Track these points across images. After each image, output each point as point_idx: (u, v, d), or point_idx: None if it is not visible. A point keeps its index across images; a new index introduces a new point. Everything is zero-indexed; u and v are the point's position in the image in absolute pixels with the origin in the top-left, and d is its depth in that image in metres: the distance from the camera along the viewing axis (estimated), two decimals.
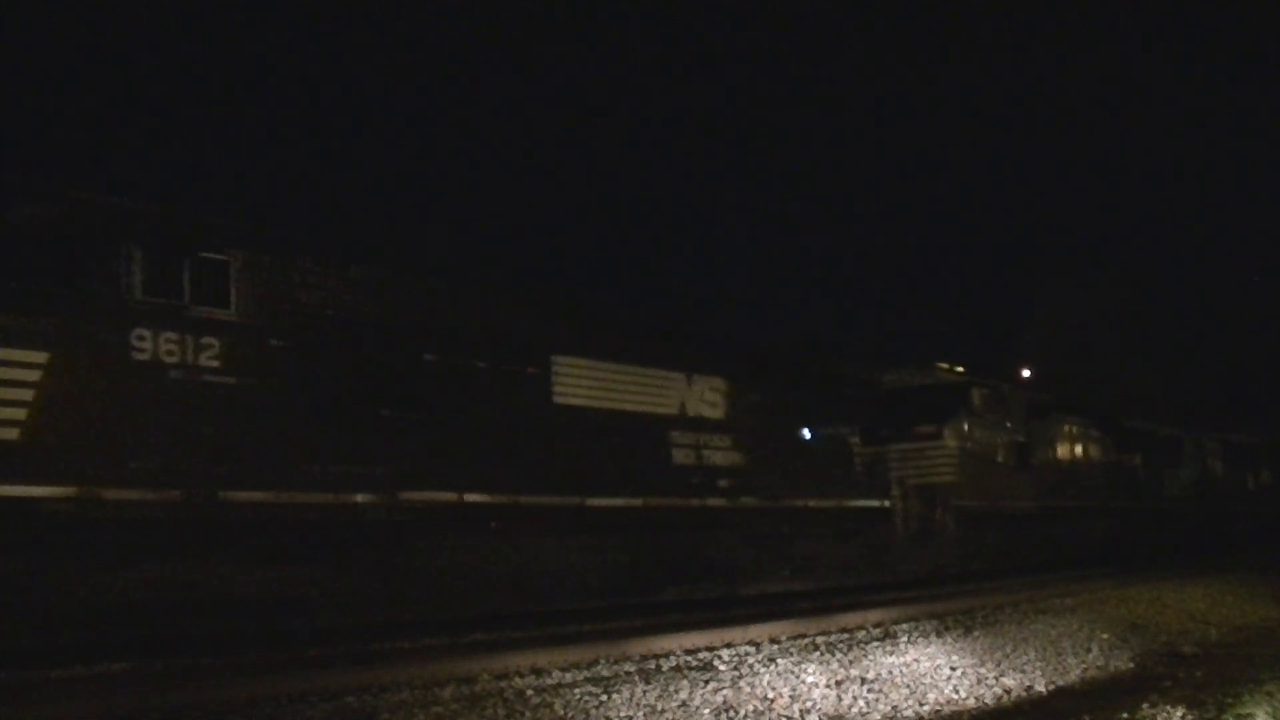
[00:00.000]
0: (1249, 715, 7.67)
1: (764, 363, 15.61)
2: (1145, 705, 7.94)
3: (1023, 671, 9.40)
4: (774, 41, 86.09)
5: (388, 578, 9.92)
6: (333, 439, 9.69)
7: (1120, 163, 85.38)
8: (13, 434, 7.94)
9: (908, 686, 8.43)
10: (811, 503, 15.07)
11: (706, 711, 7.19)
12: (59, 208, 8.54)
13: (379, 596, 9.82)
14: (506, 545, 11.04)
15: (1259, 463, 33.72)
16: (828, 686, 8.09)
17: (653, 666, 8.18)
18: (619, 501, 12.22)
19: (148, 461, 8.53)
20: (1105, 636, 11.36)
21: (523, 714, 6.67)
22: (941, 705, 8.14)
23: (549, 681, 7.44)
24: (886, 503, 16.61)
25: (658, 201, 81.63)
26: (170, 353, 8.81)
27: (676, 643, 9.11)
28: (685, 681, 7.73)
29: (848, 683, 8.26)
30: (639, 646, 8.83)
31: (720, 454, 13.77)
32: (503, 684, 7.25)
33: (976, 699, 8.41)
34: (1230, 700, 8.09)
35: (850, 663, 8.88)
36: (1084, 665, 10.01)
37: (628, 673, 7.88)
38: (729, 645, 9.30)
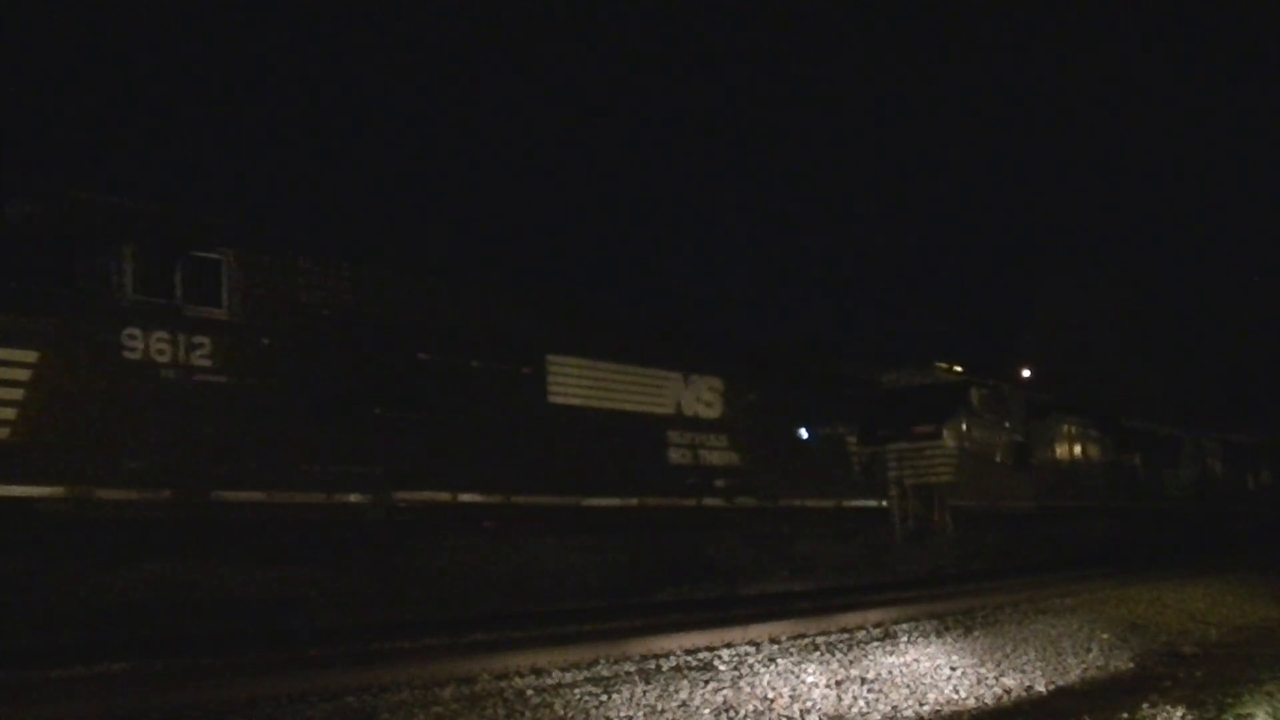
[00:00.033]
0: (1249, 715, 7.67)
1: (761, 362, 15.58)
2: (1145, 705, 7.93)
3: (1023, 671, 9.40)
4: (774, 41, 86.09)
5: (382, 578, 9.92)
6: (326, 438, 9.66)
7: (1120, 163, 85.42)
8: (3, 433, 7.92)
9: (908, 686, 8.43)
10: (809, 503, 15.05)
11: (706, 711, 7.19)
12: (50, 206, 8.52)
13: (374, 596, 9.81)
14: (502, 545, 11.03)
15: (1259, 463, 33.72)
16: (828, 686, 8.09)
17: (653, 666, 8.18)
18: (615, 502, 12.20)
19: (139, 461, 8.50)
20: (1105, 636, 11.35)
21: (523, 714, 6.67)
22: (941, 705, 8.14)
23: (549, 681, 7.44)
24: (884, 503, 16.60)
25: (658, 201, 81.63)
26: (162, 352, 8.78)
27: (676, 643, 9.10)
28: (685, 681, 7.73)
29: (848, 683, 8.26)
30: (639, 646, 8.83)
31: (717, 454, 13.75)
32: (503, 684, 7.24)
33: (976, 699, 8.41)
34: (1230, 700, 8.08)
35: (850, 663, 8.88)
36: (1084, 665, 10.00)
37: (628, 673, 7.87)
38: (729, 645, 9.29)
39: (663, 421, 13.14)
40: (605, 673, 7.84)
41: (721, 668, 8.29)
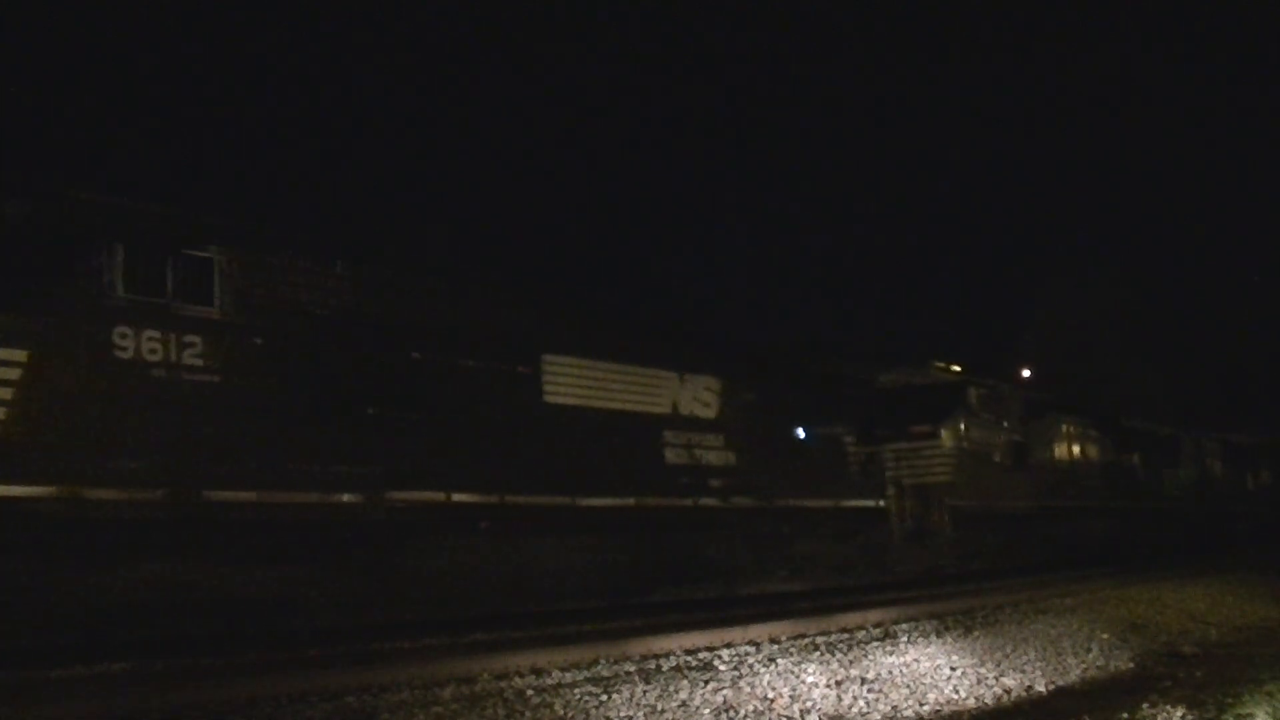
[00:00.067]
0: (1249, 715, 7.67)
1: (758, 362, 15.55)
2: (1145, 705, 7.94)
3: (1023, 671, 9.40)
4: (774, 41, 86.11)
5: (381, 578, 9.88)
6: (319, 438, 9.60)
7: (1120, 163, 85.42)
8: None
9: (908, 686, 8.43)
10: (806, 503, 15.01)
11: (706, 711, 7.19)
12: (40, 205, 8.47)
13: (372, 597, 9.78)
14: (502, 546, 10.99)
15: (1259, 463, 33.73)
16: (828, 686, 8.09)
17: (653, 666, 8.17)
18: (610, 502, 12.16)
19: (130, 461, 8.44)
20: (1105, 636, 11.36)
21: (523, 714, 6.66)
22: (941, 705, 8.14)
23: (549, 681, 7.43)
24: (882, 503, 16.57)
25: (658, 201, 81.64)
26: (153, 351, 8.72)
27: (676, 643, 9.10)
28: (685, 681, 7.73)
29: (848, 683, 8.26)
30: (639, 646, 8.83)
31: (713, 454, 13.72)
32: (503, 684, 7.24)
33: (976, 699, 8.41)
34: (1230, 700, 8.09)
35: (850, 663, 8.88)
36: (1084, 665, 10.01)
37: (628, 673, 7.87)
38: (729, 645, 9.29)
39: (659, 421, 13.11)
40: (605, 673, 7.84)
41: (721, 668, 8.28)
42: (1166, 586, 15.63)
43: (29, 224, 8.36)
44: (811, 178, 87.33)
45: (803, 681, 8.12)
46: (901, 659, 9.24)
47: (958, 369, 20.11)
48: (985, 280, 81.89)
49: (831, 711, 7.58)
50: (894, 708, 7.87)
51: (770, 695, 7.68)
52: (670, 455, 13.16)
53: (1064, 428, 22.76)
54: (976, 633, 10.82)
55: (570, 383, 12.13)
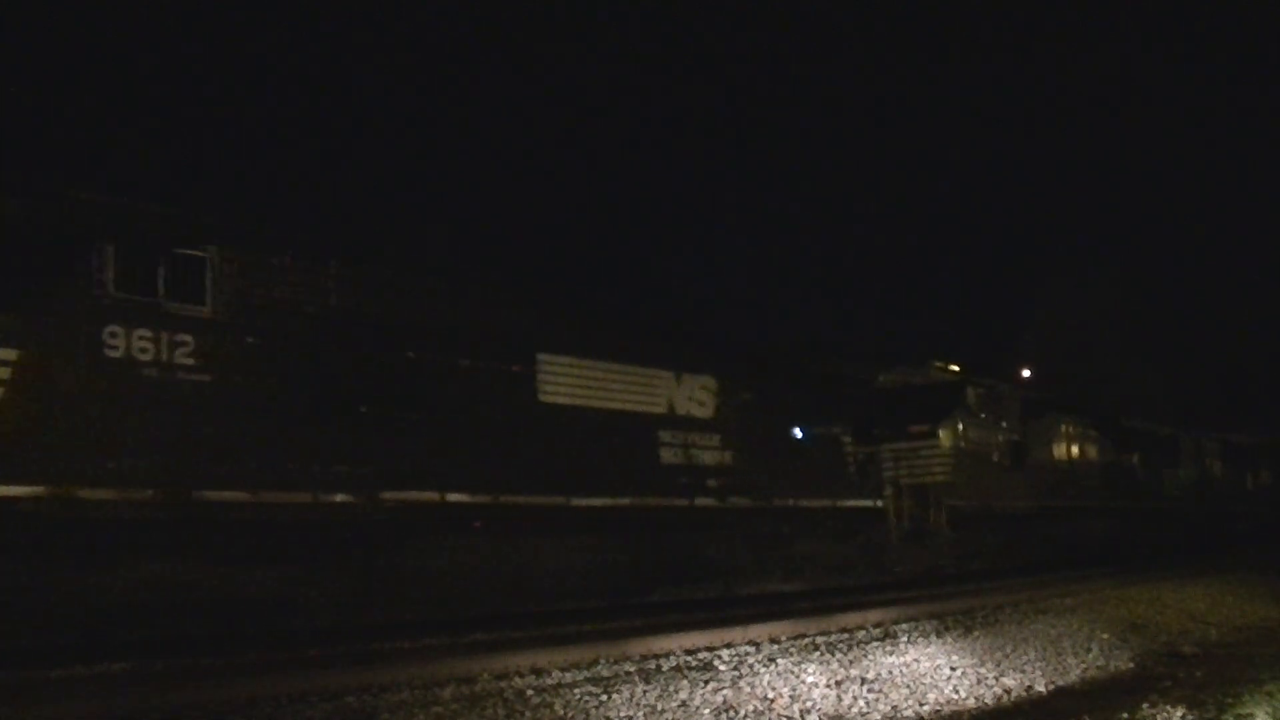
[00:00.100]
0: (1249, 715, 7.67)
1: (755, 361, 15.51)
2: (1145, 705, 7.94)
3: (1023, 671, 9.40)
4: (774, 41, 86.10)
5: (372, 579, 9.86)
6: (312, 438, 9.57)
7: (1120, 163, 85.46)
8: None
9: (908, 686, 8.43)
10: (803, 503, 14.99)
11: (706, 711, 7.19)
12: (31, 203, 8.45)
13: (368, 598, 9.76)
14: (494, 546, 10.95)
15: (1258, 463, 33.74)
16: (828, 686, 8.08)
17: (653, 666, 8.17)
18: (606, 502, 12.14)
19: (121, 460, 8.42)
20: (1105, 636, 11.36)
21: (523, 714, 6.66)
22: (941, 705, 8.14)
23: (549, 681, 7.43)
24: (880, 503, 16.55)
25: (657, 201, 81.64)
26: (144, 350, 8.69)
27: (676, 643, 9.10)
28: (685, 681, 7.73)
29: (848, 683, 8.26)
30: (639, 646, 8.82)
31: (709, 453, 13.69)
32: (503, 684, 7.24)
33: (976, 699, 8.41)
34: (1230, 700, 8.09)
35: (850, 663, 8.88)
36: (1084, 665, 10.01)
37: (628, 673, 7.87)
38: (729, 645, 9.28)
39: (655, 421, 13.08)
40: (605, 673, 7.84)
41: (721, 668, 8.28)
42: (1166, 586, 15.62)
43: (20, 222, 8.33)
44: (811, 178, 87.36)
45: (803, 681, 8.12)
46: (901, 659, 9.23)
47: (956, 369, 20.10)
48: (985, 280, 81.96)
49: (831, 711, 7.58)
50: (894, 708, 7.87)
51: (770, 695, 7.68)
52: (666, 455, 13.13)
53: (1063, 428, 22.77)
54: (976, 633, 10.82)
55: (566, 382, 12.10)
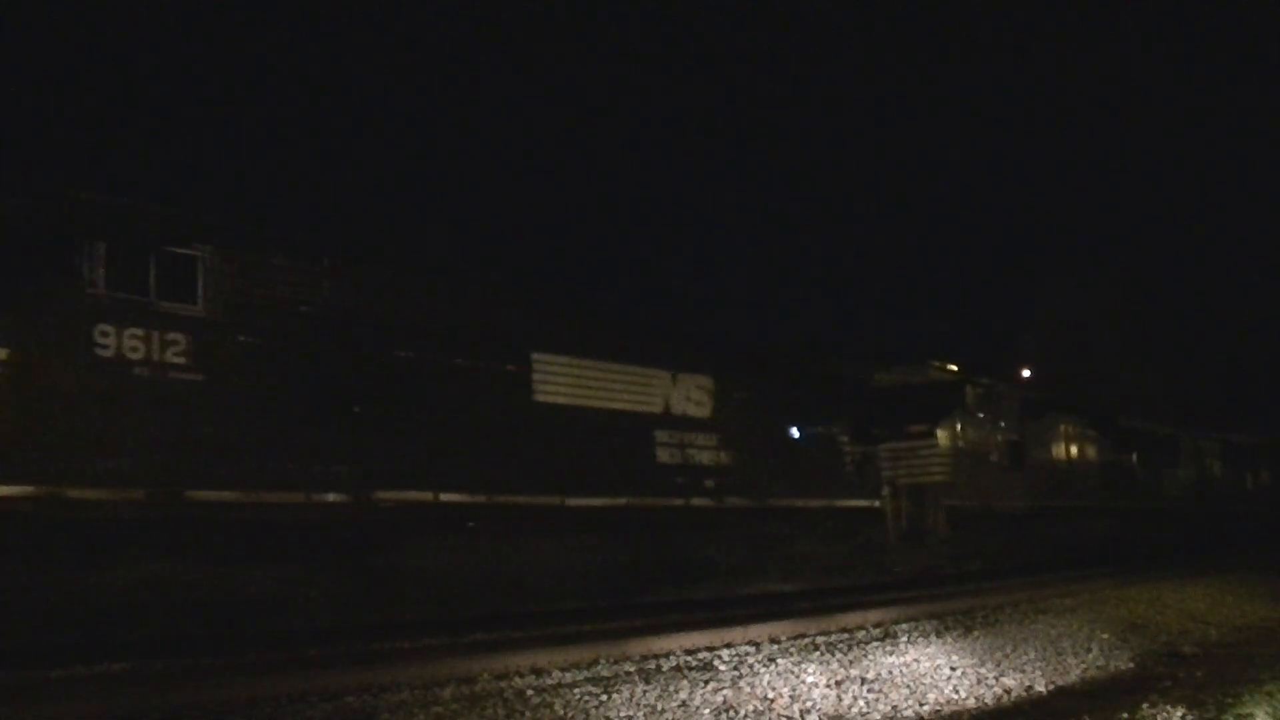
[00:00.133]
0: (1249, 715, 7.67)
1: (752, 361, 15.45)
2: (1145, 705, 7.94)
3: (1023, 671, 9.40)
4: (774, 41, 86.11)
5: (370, 579, 9.83)
6: (304, 437, 9.51)
7: (1120, 163, 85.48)
8: None
9: (908, 686, 8.43)
10: (800, 503, 14.94)
11: (706, 711, 7.19)
12: (21, 201, 8.40)
13: (362, 597, 9.73)
14: (493, 546, 10.91)
15: (1258, 463, 33.75)
16: (828, 686, 8.08)
17: (653, 666, 8.17)
18: (601, 501, 12.09)
19: (112, 460, 8.35)
20: (1105, 636, 11.36)
21: (523, 714, 6.66)
22: (941, 705, 8.14)
23: (549, 681, 7.43)
24: (877, 503, 16.52)
25: (657, 201, 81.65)
26: (135, 349, 8.65)
27: (676, 643, 9.10)
28: (685, 681, 7.73)
29: (848, 683, 8.26)
30: (639, 646, 8.82)
31: (706, 453, 13.64)
32: (503, 684, 7.24)
33: (976, 699, 8.41)
34: (1230, 700, 8.09)
35: (850, 663, 8.88)
36: (1084, 665, 10.01)
37: (628, 673, 7.87)
38: (729, 645, 9.29)
39: (651, 421, 13.02)
40: (605, 673, 7.84)
41: (721, 668, 8.28)
42: (1166, 586, 15.63)
43: (11, 221, 8.28)
44: (811, 178, 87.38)
45: (803, 681, 8.12)
46: (901, 659, 9.24)
47: (954, 369, 20.08)
48: (985, 280, 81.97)
49: (831, 711, 7.58)
50: (894, 708, 7.87)
51: (770, 695, 7.68)
52: (662, 455, 13.08)
53: (1062, 428, 22.76)
54: (976, 633, 10.82)
55: (561, 381, 12.04)
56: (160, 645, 7.87)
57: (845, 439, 16.15)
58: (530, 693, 7.06)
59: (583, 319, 13.45)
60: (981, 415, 19.28)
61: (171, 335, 8.86)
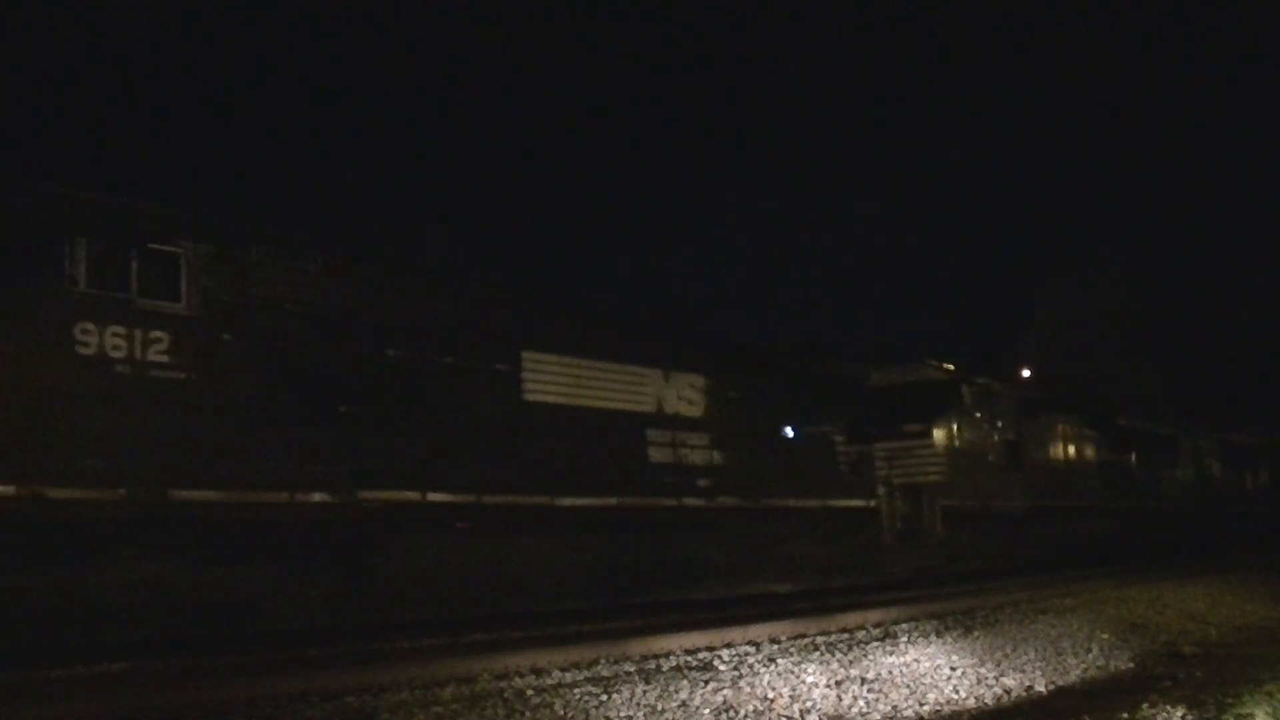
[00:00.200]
0: (1249, 715, 7.67)
1: (746, 360, 15.35)
2: (1145, 705, 7.94)
3: (1023, 671, 9.40)
4: (774, 41, 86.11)
5: (359, 580, 9.79)
6: (290, 436, 9.44)
7: (1120, 163, 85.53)
8: None
9: (908, 686, 8.43)
10: (795, 502, 14.86)
11: (706, 711, 7.19)
12: (1, 198, 8.34)
13: (352, 598, 9.69)
14: (474, 545, 10.83)
15: (1258, 463, 33.76)
16: (828, 686, 8.08)
17: (653, 666, 8.16)
18: (592, 501, 12.02)
19: (93, 459, 8.28)
20: (1105, 636, 11.36)
21: (523, 714, 6.66)
22: (941, 705, 8.14)
23: (549, 681, 7.43)
24: (872, 502, 16.47)
25: (657, 201, 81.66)
26: (117, 347, 8.56)
27: (676, 643, 9.10)
28: (685, 681, 7.72)
29: (848, 683, 8.26)
30: (639, 646, 8.82)
31: (698, 452, 13.56)
32: (503, 684, 7.23)
33: (976, 699, 8.41)
34: (1230, 700, 8.09)
35: (850, 663, 8.88)
36: (1084, 665, 10.01)
37: (628, 673, 7.86)
38: (729, 645, 9.28)
39: (643, 420, 12.94)
40: (605, 673, 7.83)
41: (721, 668, 8.28)
42: (1166, 586, 15.63)
43: None
44: (811, 178, 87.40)
45: (803, 681, 8.12)
46: (901, 659, 9.23)
47: (951, 368, 20.07)
48: (985, 280, 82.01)
49: (831, 711, 7.58)
50: (894, 708, 7.87)
51: (770, 695, 7.68)
52: (654, 454, 13.00)
53: (1060, 427, 22.74)
54: (976, 633, 10.82)
55: (551, 380, 11.95)
56: (160, 645, 7.85)
57: (840, 438, 16.09)
58: (530, 693, 7.06)
59: (574, 317, 13.36)
60: (978, 415, 19.25)
61: (154, 333, 8.78)
